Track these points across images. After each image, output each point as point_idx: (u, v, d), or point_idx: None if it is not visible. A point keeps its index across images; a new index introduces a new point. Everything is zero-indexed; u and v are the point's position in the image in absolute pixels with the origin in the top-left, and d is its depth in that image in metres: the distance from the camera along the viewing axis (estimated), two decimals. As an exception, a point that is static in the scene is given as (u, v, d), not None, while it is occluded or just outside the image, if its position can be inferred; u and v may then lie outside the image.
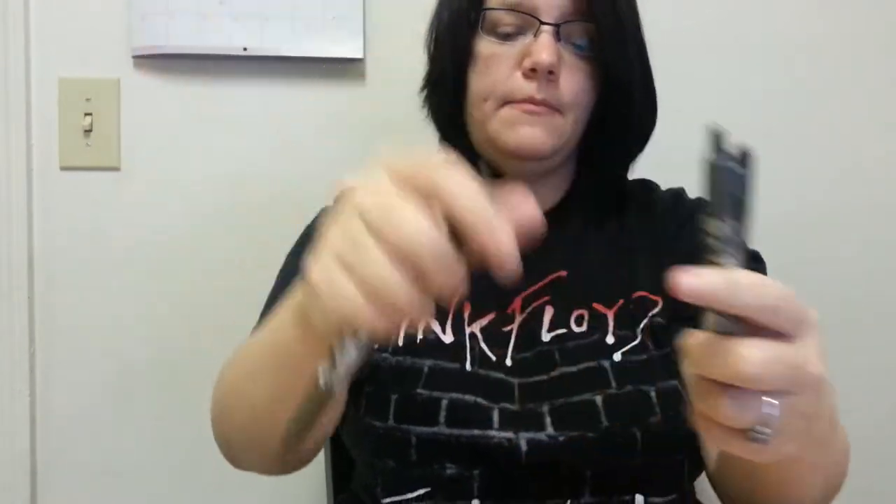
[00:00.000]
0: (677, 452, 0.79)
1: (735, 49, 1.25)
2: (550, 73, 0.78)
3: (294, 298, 0.57)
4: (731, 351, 0.41)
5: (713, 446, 0.45)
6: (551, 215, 0.89)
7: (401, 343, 0.81)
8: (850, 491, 1.17)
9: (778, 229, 1.25)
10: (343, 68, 1.21)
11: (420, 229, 0.42)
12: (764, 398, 0.42)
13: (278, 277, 0.90)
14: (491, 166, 0.87)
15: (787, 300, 0.42)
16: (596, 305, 0.83)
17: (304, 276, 0.47)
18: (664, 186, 0.94)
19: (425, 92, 0.91)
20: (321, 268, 0.45)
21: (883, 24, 1.26)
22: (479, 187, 0.43)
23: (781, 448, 0.45)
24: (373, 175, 0.45)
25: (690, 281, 0.40)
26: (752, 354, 0.41)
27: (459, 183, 0.43)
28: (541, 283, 0.85)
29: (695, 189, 0.94)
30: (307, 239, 0.91)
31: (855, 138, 1.27)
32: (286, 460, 0.78)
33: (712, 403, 0.42)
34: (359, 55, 1.19)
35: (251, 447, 0.75)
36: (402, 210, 0.43)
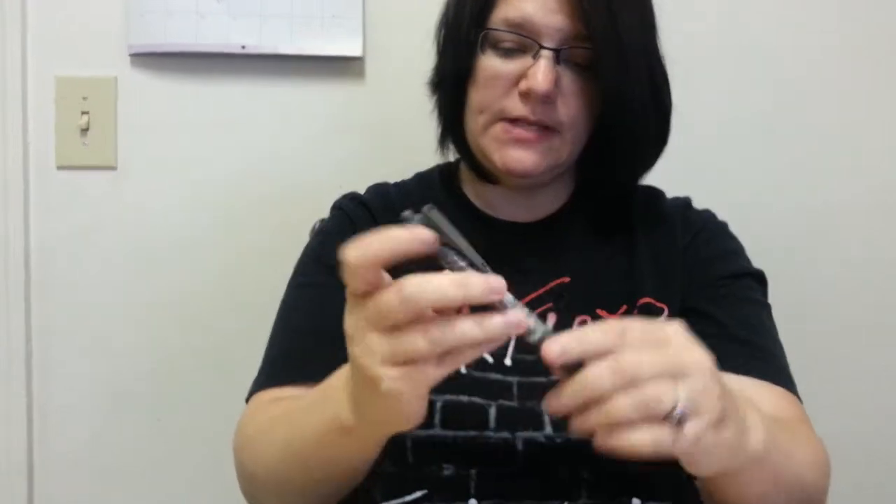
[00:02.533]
0: (674, 458, 0.79)
1: (736, 50, 1.25)
2: (546, 96, 0.77)
3: (340, 415, 0.60)
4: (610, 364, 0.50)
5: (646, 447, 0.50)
6: (553, 221, 0.88)
7: None
8: (850, 491, 1.18)
9: (779, 230, 1.25)
10: (342, 67, 1.20)
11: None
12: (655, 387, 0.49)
13: (285, 303, 0.89)
14: (487, 171, 0.86)
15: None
16: (599, 311, 0.82)
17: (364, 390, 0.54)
18: (664, 186, 0.94)
19: (433, 85, 0.89)
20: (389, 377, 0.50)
21: (885, 25, 1.26)
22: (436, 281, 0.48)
23: (708, 435, 0.51)
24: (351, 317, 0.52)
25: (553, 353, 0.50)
26: (624, 358, 0.50)
27: (422, 289, 0.48)
28: (543, 289, 0.84)
29: (698, 193, 0.94)
30: (312, 261, 0.90)
31: (856, 139, 1.27)
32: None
33: (622, 405, 0.49)
34: (358, 53, 1.19)
35: (272, 498, 0.77)
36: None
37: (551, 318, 0.83)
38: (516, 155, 0.79)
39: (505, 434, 0.76)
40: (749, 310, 0.84)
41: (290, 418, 0.71)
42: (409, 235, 0.49)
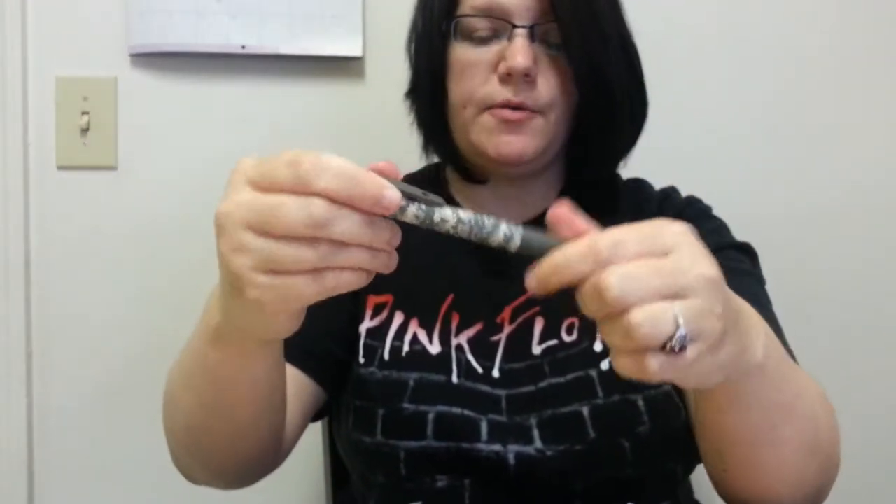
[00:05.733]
0: (668, 460, 0.78)
1: (737, 48, 1.24)
2: (527, 75, 0.77)
3: (212, 320, 0.58)
4: (595, 285, 0.45)
5: (641, 374, 0.46)
6: (541, 221, 0.88)
7: (387, 356, 0.81)
8: (847, 491, 1.17)
9: (777, 230, 1.25)
10: (342, 67, 1.20)
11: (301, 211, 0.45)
12: (653, 305, 0.44)
13: None
14: (476, 170, 0.86)
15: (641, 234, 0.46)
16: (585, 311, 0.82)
17: (228, 300, 0.51)
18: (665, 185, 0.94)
19: (411, 93, 0.90)
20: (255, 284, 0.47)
21: (883, 25, 1.26)
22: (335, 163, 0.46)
23: (707, 358, 0.46)
24: (234, 189, 0.48)
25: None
26: (609, 279, 0.44)
27: (319, 167, 0.45)
28: (531, 293, 0.83)
29: (697, 193, 0.94)
30: None
31: (856, 139, 1.26)
32: (238, 473, 0.75)
33: (617, 331, 0.45)
34: (358, 53, 1.19)
35: (191, 458, 0.73)
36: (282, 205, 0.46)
37: (539, 322, 0.82)
38: (507, 139, 0.79)
39: (497, 447, 0.76)
40: (729, 280, 0.81)
41: (186, 346, 0.67)
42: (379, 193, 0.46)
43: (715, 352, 0.47)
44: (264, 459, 0.75)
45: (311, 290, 0.47)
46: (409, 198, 0.48)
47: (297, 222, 0.45)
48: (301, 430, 0.80)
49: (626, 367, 0.46)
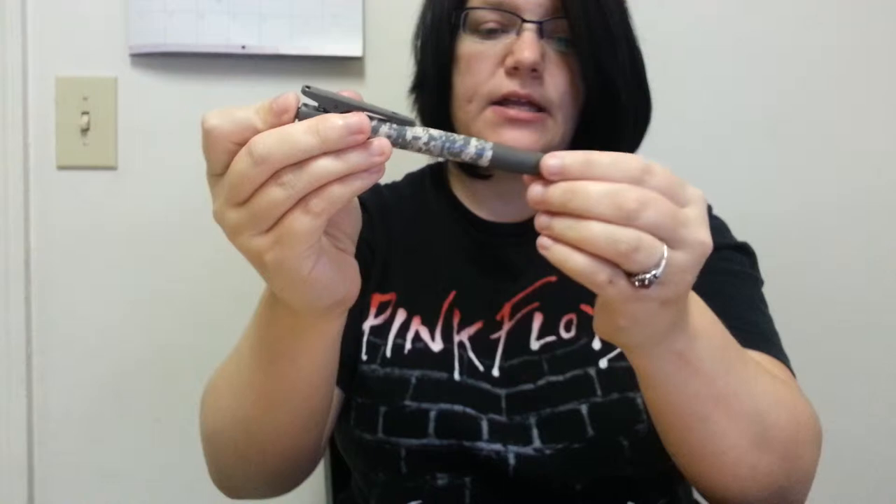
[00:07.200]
0: (667, 459, 0.78)
1: (737, 50, 1.24)
2: (534, 70, 0.77)
3: (263, 315, 0.61)
4: (618, 192, 0.46)
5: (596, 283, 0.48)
6: None
7: (389, 354, 0.81)
8: (848, 491, 1.18)
9: (777, 230, 1.25)
10: (342, 67, 1.20)
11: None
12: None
13: None
14: (480, 168, 0.86)
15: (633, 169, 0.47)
16: (584, 307, 0.81)
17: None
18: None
19: (416, 88, 0.90)
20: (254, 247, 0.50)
21: (884, 25, 1.25)
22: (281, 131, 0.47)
23: (652, 306, 0.50)
24: (212, 190, 0.52)
25: (554, 162, 0.46)
26: (633, 193, 0.46)
27: (273, 143, 0.46)
28: (530, 289, 0.84)
29: (700, 188, 0.93)
30: None
31: (854, 139, 1.26)
32: (285, 476, 0.76)
33: (604, 235, 0.46)
34: (358, 53, 1.19)
35: (244, 462, 0.74)
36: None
37: (538, 318, 0.82)
38: (512, 135, 0.78)
39: (497, 446, 0.76)
40: (725, 281, 0.81)
41: (234, 352, 0.69)
42: (272, 103, 0.47)
43: (662, 307, 0.50)
44: (311, 455, 0.76)
45: (308, 223, 0.47)
46: (381, 119, 0.48)
47: (246, 170, 0.47)
48: (330, 433, 0.81)
49: (582, 267, 0.47)
